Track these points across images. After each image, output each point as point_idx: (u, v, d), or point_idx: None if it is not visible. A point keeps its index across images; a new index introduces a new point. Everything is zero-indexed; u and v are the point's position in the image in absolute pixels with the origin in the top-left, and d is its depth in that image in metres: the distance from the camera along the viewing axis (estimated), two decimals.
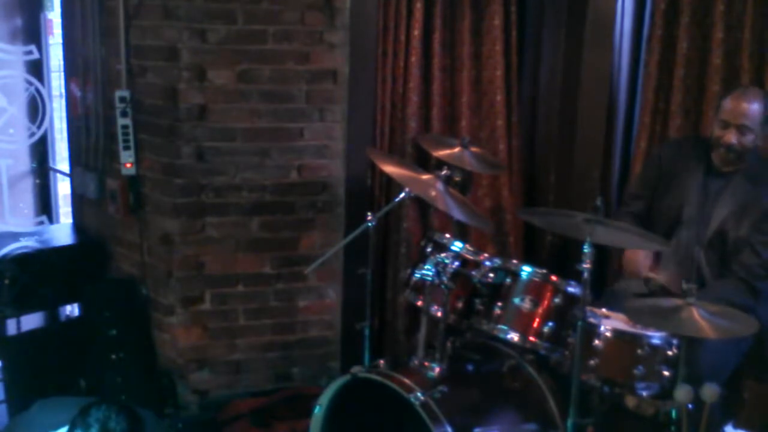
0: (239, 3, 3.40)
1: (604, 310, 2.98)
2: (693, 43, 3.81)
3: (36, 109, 4.67)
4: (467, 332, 3.14)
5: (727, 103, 3.18)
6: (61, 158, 4.80)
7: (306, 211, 3.66)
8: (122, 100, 3.41)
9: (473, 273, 2.94)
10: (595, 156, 4.05)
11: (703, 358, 2.94)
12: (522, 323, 2.86)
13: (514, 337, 2.86)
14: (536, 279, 2.88)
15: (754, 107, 3.12)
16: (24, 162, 4.77)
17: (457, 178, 3.48)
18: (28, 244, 3.76)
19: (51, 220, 4.85)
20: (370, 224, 3.09)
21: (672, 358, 2.75)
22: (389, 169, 3.16)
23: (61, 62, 4.43)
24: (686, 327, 2.45)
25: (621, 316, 2.92)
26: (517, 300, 2.87)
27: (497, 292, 2.90)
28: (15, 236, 3.86)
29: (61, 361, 3.65)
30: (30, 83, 4.65)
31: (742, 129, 3.13)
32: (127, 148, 3.54)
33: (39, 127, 4.70)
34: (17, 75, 4.63)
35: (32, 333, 3.88)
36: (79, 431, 2.21)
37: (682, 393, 2.45)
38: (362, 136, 3.67)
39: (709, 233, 3.24)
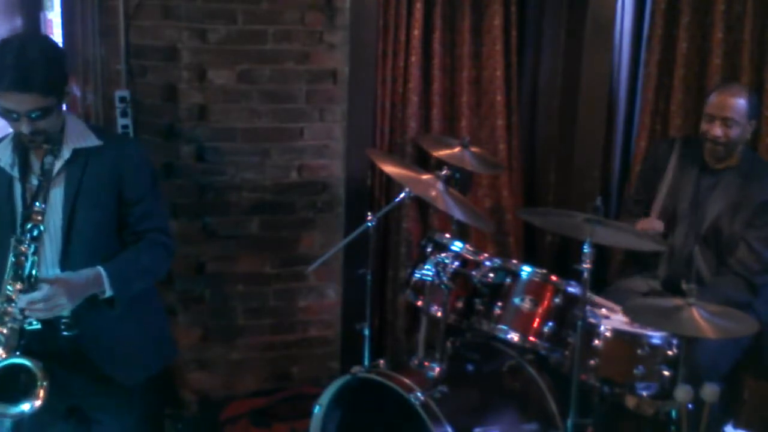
0: (239, 3, 3.40)
1: (604, 310, 2.99)
2: (693, 43, 3.82)
3: None
4: (467, 332, 3.14)
5: (713, 98, 3.26)
6: None
7: (306, 211, 3.65)
8: (122, 100, 3.40)
9: (473, 273, 2.94)
10: (595, 156, 4.05)
11: (701, 353, 2.95)
12: (522, 323, 2.86)
13: (514, 337, 2.86)
14: (536, 279, 2.88)
15: (739, 101, 3.20)
16: None
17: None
18: None
19: None
20: (370, 224, 3.08)
21: (672, 358, 2.75)
22: (389, 169, 3.16)
23: None
24: (686, 327, 2.45)
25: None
26: (517, 300, 2.87)
27: (497, 292, 2.90)
28: None
29: None
30: None
31: (727, 122, 3.20)
32: None
33: None
34: None
35: None
36: None
37: (682, 393, 2.45)
38: (362, 136, 3.66)
39: (703, 229, 3.28)
